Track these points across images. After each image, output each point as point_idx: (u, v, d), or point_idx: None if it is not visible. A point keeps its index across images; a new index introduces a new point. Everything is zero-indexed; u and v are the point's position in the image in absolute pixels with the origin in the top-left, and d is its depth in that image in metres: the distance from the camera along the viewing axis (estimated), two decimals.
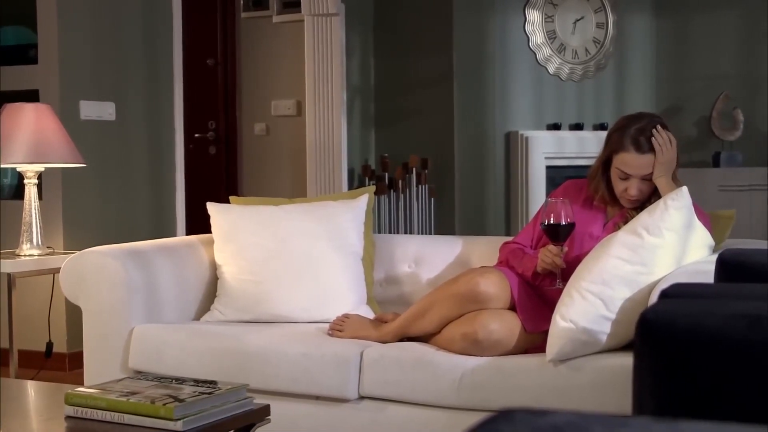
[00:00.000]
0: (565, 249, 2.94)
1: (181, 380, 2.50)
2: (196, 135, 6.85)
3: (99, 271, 3.27)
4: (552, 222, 2.90)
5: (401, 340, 3.08)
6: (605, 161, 3.06)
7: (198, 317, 3.48)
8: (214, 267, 3.52)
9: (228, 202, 3.67)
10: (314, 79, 6.26)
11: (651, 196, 3.01)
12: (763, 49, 6.60)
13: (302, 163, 6.42)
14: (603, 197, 3.09)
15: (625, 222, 2.93)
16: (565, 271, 2.90)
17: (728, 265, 2.10)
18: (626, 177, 2.99)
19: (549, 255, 2.94)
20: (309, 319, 3.37)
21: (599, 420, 0.79)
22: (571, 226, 2.90)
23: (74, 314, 4.27)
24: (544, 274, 3.01)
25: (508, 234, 6.08)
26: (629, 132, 2.98)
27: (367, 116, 6.48)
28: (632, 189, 2.99)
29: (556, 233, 2.91)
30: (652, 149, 2.95)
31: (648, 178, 2.98)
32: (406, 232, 6.14)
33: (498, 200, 6.33)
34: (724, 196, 6.34)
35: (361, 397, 2.94)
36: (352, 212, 3.53)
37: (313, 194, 6.20)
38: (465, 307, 2.94)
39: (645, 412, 1.48)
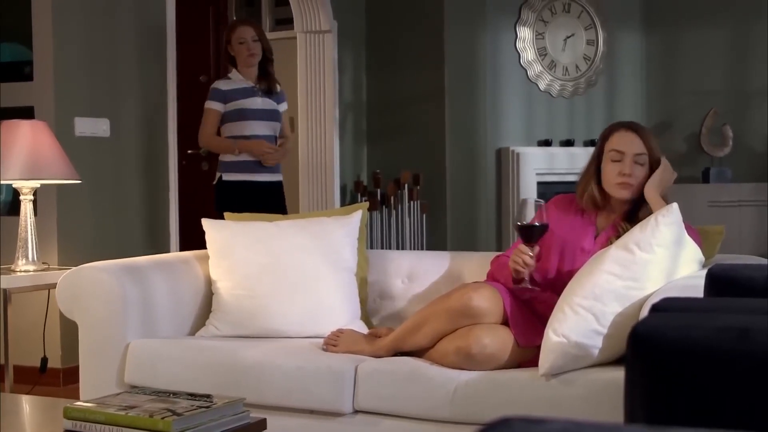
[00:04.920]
0: (537, 249, 2.98)
1: (177, 394, 2.52)
2: (189, 151, 6.86)
3: (95, 286, 3.29)
4: (525, 223, 2.93)
5: (395, 354, 3.10)
6: (597, 155, 3.13)
7: (193, 332, 3.50)
8: (209, 282, 3.54)
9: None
10: (307, 95, 6.30)
11: (641, 204, 3.05)
12: (752, 66, 6.66)
13: (294, 179, 6.45)
14: (591, 197, 3.12)
15: (617, 234, 2.98)
16: (558, 285, 2.94)
17: (718, 280, 2.13)
18: (620, 158, 3.05)
19: (519, 254, 2.98)
20: (303, 334, 3.39)
21: (594, 428, 0.82)
22: (544, 227, 2.94)
23: (68, 330, 4.28)
24: (518, 279, 3.04)
25: (499, 249, 6.12)
26: (621, 122, 3.19)
27: (359, 132, 6.51)
28: (626, 167, 3.04)
29: (530, 234, 2.94)
30: (641, 135, 3.07)
31: (641, 162, 3.04)
32: (398, 248, 6.17)
33: (489, 216, 6.36)
34: (714, 211, 6.39)
35: (356, 411, 2.96)
36: (346, 228, 3.55)
37: (305, 210, 6.22)
38: (458, 321, 2.97)
39: (636, 423, 1.51)
